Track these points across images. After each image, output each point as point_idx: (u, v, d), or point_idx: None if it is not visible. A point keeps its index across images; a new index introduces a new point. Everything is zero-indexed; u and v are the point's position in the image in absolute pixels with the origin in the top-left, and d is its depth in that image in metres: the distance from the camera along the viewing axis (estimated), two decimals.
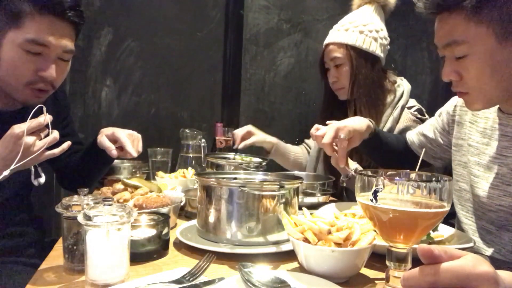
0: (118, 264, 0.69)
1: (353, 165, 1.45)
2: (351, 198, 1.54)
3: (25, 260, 1.17)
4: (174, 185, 1.36)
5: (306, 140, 1.93)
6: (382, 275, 0.74)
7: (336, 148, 1.15)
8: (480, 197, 1.04)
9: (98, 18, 2.16)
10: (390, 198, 0.62)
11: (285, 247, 0.86)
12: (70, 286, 0.71)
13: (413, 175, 0.69)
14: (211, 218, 0.90)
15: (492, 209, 1.01)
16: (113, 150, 1.19)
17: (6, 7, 1.02)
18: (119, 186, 1.19)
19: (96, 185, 1.44)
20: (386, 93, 1.59)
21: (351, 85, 1.57)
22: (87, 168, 1.33)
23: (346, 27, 1.59)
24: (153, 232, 0.83)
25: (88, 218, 0.68)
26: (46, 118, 0.96)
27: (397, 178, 0.65)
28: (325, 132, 1.14)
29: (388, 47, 1.65)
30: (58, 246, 0.84)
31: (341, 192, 1.60)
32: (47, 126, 0.97)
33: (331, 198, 1.45)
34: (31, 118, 0.94)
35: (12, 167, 0.91)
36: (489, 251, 1.02)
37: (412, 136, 1.36)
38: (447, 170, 1.26)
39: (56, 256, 0.82)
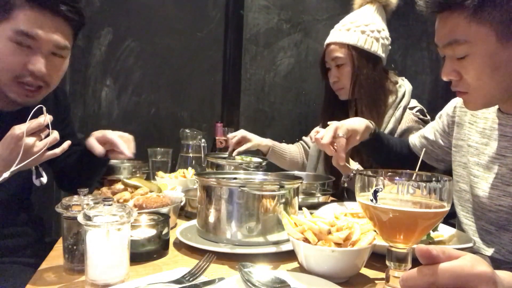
0: (118, 264, 0.69)
1: (355, 165, 1.45)
2: (352, 199, 1.54)
3: (25, 260, 1.17)
4: (174, 185, 1.36)
5: (304, 138, 1.92)
6: (382, 275, 0.74)
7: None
8: (480, 198, 1.04)
9: (98, 18, 2.16)
10: (390, 198, 0.62)
11: (285, 247, 0.86)
12: (70, 286, 0.71)
13: (413, 175, 0.69)
14: (211, 218, 0.90)
15: (492, 209, 1.01)
16: (99, 148, 1.19)
17: None
18: (119, 186, 1.19)
19: (96, 185, 1.44)
20: (387, 94, 1.59)
21: (352, 86, 1.56)
22: (83, 170, 1.32)
23: (348, 27, 1.58)
24: (153, 232, 0.83)
25: (88, 218, 0.68)
26: (46, 118, 0.95)
27: (397, 178, 0.65)
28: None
29: (390, 47, 1.64)
30: (58, 246, 0.84)
31: (342, 193, 1.60)
32: (47, 126, 0.97)
33: (332, 198, 1.45)
34: (31, 119, 0.94)
35: (12, 168, 0.90)
36: (489, 251, 1.02)
37: (414, 139, 1.36)
38: (447, 172, 1.26)
39: (56, 256, 0.82)
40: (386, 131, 1.53)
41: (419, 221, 0.62)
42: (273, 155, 1.81)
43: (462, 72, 0.91)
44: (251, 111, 2.53)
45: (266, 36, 2.52)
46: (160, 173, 1.54)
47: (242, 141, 1.71)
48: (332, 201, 1.37)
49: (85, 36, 2.12)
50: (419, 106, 1.60)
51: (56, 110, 1.29)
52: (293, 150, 1.89)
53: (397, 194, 0.62)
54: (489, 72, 0.88)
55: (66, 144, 1.01)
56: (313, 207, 1.17)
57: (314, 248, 0.72)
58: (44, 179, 1.07)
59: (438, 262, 0.50)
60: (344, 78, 1.59)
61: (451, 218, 1.23)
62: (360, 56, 1.55)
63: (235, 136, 1.70)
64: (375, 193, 0.63)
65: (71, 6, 1.08)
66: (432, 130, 1.29)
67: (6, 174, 0.90)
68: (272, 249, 0.85)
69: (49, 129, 0.97)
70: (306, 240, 0.75)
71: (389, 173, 0.69)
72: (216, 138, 1.94)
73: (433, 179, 0.62)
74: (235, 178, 1.06)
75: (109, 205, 0.71)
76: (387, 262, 0.65)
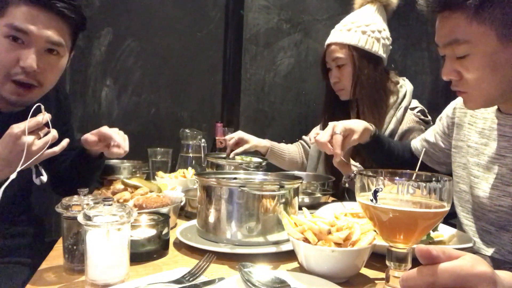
0: (118, 264, 0.69)
1: (355, 166, 1.44)
2: (353, 199, 1.53)
3: (25, 260, 1.17)
4: (174, 185, 1.36)
5: (304, 137, 1.92)
6: (382, 275, 0.74)
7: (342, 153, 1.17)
8: (480, 198, 1.04)
9: (98, 18, 2.16)
10: (390, 198, 0.62)
11: (285, 247, 0.86)
12: (70, 286, 0.71)
13: (413, 175, 0.69)
14: (211, 218, 0.90)
15: (492, 209, 1.01)
16: (91, 137, 1.18)
17: None
18: (119, 186, 1.19)
19: (96, 185, 1.44)
20: (388, 94, 1.58)
21: (353, 86, 1.56)
22: (78, 172, 1.31)
23: (349, 27, 1.58)
24: (153, 232, 0.83)
25: (88, 218, 0.68)
26: (44, 116, 0.95)
27: (397, 178, 0.65)
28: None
29: (390, 47, 1.64)
30: (58, 246, 0.84)
31: (343, 193, 1.60)
32: (46, 125, 0.97)
33: (332, 198, 1.45)
34: (30, 117, 0.94)
35: (18, 169, 0.90)
36: (489, 251, 1.02)
37: (416, 143, 1.37)
38: (448, 174, 1.26)
39: (56, 256, 0.82)
40: (387, 132, 1.53)
41: (419, 221, 0.62)
42: (272, 156, 1.80)
43: (462, 72, 0.91)
44: (251, 111, 2.53)
45: (266, 36, 2.52)
46: (160, 173, 1.54)
47: (239, 142, 1.70)
48: (332, 201, 1.37)
49: (85, 36, 2.11)
50: (420, 107, 1.59)
51: (58, 113, 1.29)
52: (292, 150, 1.88)
53: (397, 194, 0.62)
54: (489, 72, 0.88)
55: (65, 142, 1.01)
56: (313, 207, 1.17)
57: (314, 248, 0.72)
58: (44, 177, 1.07)
59: (438, 262, 0.50)
60: (345, 79, 1.58)
61: (451, 218, 1.23)
62: (361, 56, 1.55)
63: (232, 137, 1.70)
64: (375, 193, 0.63)
65: (67, 3, 1.08)
66: (433, 132, 1.29)
67: (13, 175, 0.89)
68: (272, 249, 0.85)
69: (49, 127, 0.97)
70: (306, 240, 0.75)
71: (389, 173, 0.69)
72: (216, 138, 1.94)
73: (433, 179, 0.62)
74: (235, 178, 1.06)
75: (109, 205, 0.71)
76: (387, 262, 0.65)
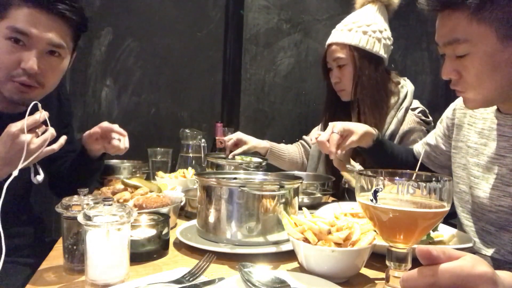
0: (118, 264, 0.69)
1: (356, 166, 1.44)
2: (353, 199, 1.53)
3: (25, 260, 1.17)
4: (174, 185, 1.36)
5: (305, 137, 1.92)
6: (382, 275, 0.74)
7: (339, 152, 1.17)
8: (480, 198, 1.04)
9: (98, 18, 2.16)
10: (390, 198, 0.62)
11: (285, 247, 0.86)
12: (70, 286, 0.71)
13: (413, 175, 0.69)
14: (211, 218, 0.90)
15: (492, 209, 1.01)
16: (94, 128, 1.19)
17: None
18: (119, 186, 1.19)
19: (96, 185, 1.44)
20: (389, 95, 1.58)
21: (354, 86, 1.56)
22: (77, 173, 1.30)
23: (350, 27, 1.57)
24: (153, 232, 0.83)
25: (88, 218, 0.68)
26: (42, 114, 0.95)
27: (397, 178, 0.65)
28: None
29: (391, 47, 1.64)
30: (58, 246, 0.85)
31: (343, 193, 1.60)
32: (44, 123, 0.96)
33: (332, 198, 1.45)
34: (28, 116, 0.93)
35: (19, 167, 0.90)
36: (489, 251, 1.02)
37: (418, 147, 1.37)
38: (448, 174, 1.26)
39: (56, 256, 0.82)
40: (388, 132, 1.53)
41: (419, 221, 0.62)
42: (272, 157, 1.80)
43: (462, 71, 0.91)
44: (251, 111, 2.53)
45: (266, 36, 2.52)
46: (160, 173, 1.54)
47: (238, 143, 1.70)
48: (332, 201, 1.37)
49: (85, 36, 2.10)
50: (421, 107, 1.59)
51: (59, 115, 1.29)
52: (292, 150, 1.88)
53: (397, 194, 0.62)
54: (489, 72, 0.88)
55: (63, 139, 1.00)
56: (313, 207, 1.17)
57: (314, 248, 0.72)
58: (41, 177, 1.06)
59: (438, 263, 0.50)
60: (345, 79, 1.58)
61: (451, 218, 1.23)
62: (362, 56, 1.54)
63: (231, 138, 1.69)
64: (375, 193, 0.63)
65: (69, 5, 1.08)
66: (434, 135, 1.29)
67: (15, 172, 0.89)
68: (272, 249, 0.85)
69: (47, 125, 0.97)
70: (306, 240, 0.75)
71: (389, 173, 0.69)
72: (216, 138, 1.94)
73: (433, 179, 0.62)
74: (235, 178, 1.06)
75: (109, 205, 0.71)
76: (387, 262, 0.65)
